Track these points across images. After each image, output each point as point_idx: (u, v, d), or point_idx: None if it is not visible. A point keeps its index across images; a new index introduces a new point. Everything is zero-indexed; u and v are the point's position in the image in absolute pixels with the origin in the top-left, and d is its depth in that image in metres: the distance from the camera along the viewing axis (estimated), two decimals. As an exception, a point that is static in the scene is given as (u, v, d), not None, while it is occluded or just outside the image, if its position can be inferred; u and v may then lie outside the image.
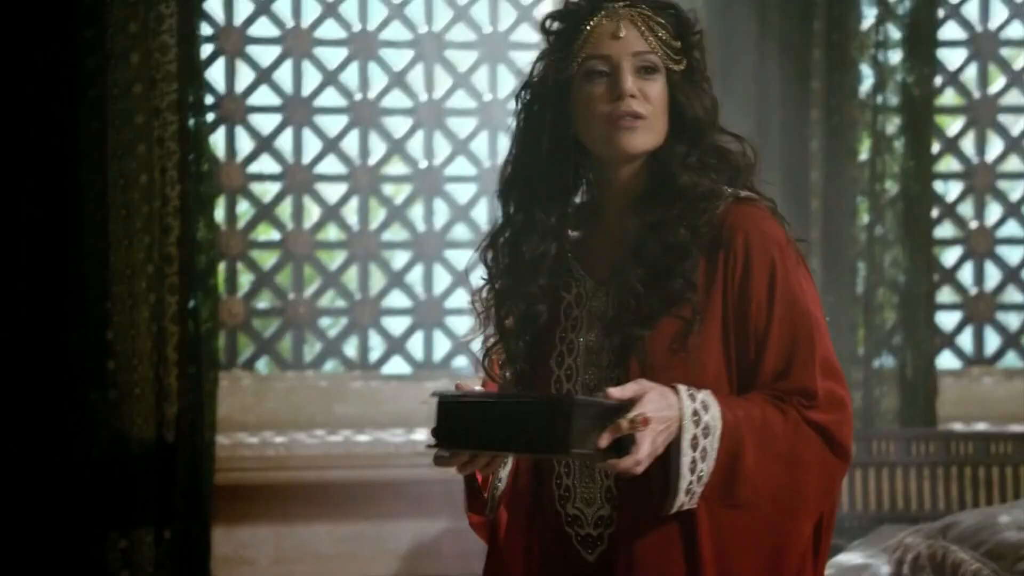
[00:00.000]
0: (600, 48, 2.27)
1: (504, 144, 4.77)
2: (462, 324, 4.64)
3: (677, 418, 2.18)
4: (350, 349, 4.63)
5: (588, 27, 2.27)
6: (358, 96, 4.59)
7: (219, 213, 4.42)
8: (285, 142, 4.58)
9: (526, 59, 4.65)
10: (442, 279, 4.63)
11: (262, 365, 4.60)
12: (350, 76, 4.59)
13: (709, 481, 2.21)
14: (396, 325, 4.63)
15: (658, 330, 2.24)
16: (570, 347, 2.30)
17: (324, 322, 4.63)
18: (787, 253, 2.27)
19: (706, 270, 2.26)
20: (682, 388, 2.20)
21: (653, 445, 2.16)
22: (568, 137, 2.29)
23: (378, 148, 4.62)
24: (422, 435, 4.44)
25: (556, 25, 2.32)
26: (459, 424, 2.18)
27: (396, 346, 4.62)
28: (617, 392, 2.15)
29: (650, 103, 2.26)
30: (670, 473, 2.19)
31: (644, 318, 2.24)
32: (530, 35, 4.64)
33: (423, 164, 4.62)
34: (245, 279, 4.59)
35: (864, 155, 4.45)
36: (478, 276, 2.40)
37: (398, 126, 4.62)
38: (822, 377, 2.26)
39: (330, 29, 4.58)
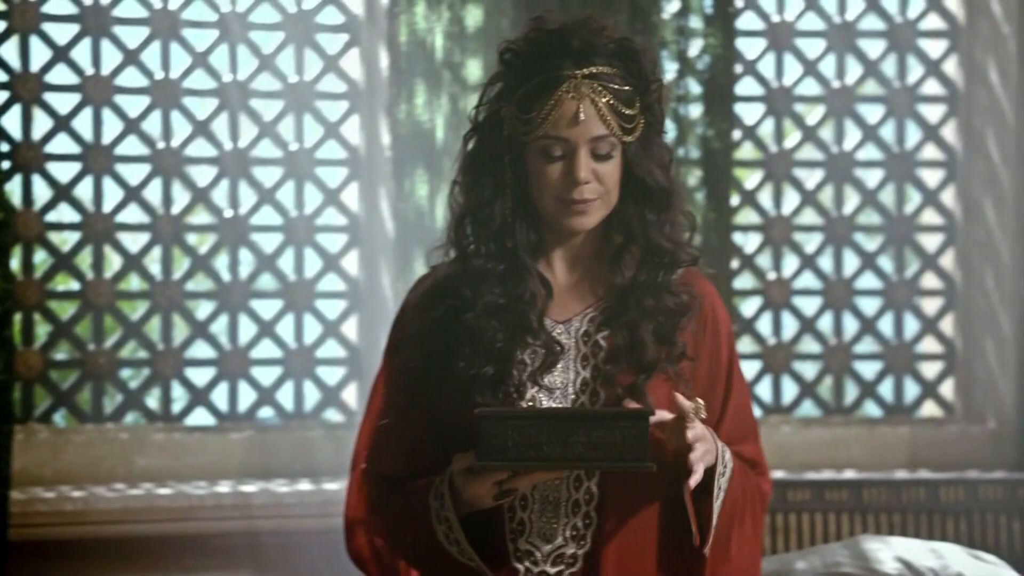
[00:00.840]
0: (558, 130, 2.29)
1: (311, 194, 4.79)
2: (267, 374, 4.59)
3: (714, 449, 2.26)
4: (152, 401, 4.55)
5: (549, 103, 2.27)
6: (160, 145, 4.53)
7: (15, 263, 4.32)
8: (85, 191, 4.50)
9: (333, 109, 4.66)
10: (247, 329, 4.58)
11: (60, 418, 4.49)
12: (152, 124, 4.53)
13: (716, 526, 2.27)
14: (200, 376, 4.56)
15: (654, 383, 2.30)
16: (515, 386, 2.32)
17: (125, 373, 4.55)
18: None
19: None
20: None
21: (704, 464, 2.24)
22: (527, 194, 2.33)
23: (182, 197, 4.57)
24: (226, 487, 4.39)
25: (514, 62, 2.33)
26: (519, 441, 2.15)
27: (200, 397, 4.56)
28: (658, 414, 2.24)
29: (604, 184, 2.30)
30: (695, 508, 2.27)
31: (648, 366, 2.30)
32: (336, 85, 4.64)
33: (228, 213, 4.58)
34: (42, 330, 4.49)
35: (666, 207, 4.52)
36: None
37: (202, 175, 4.57)
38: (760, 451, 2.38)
39: (131, 77, 4.52)
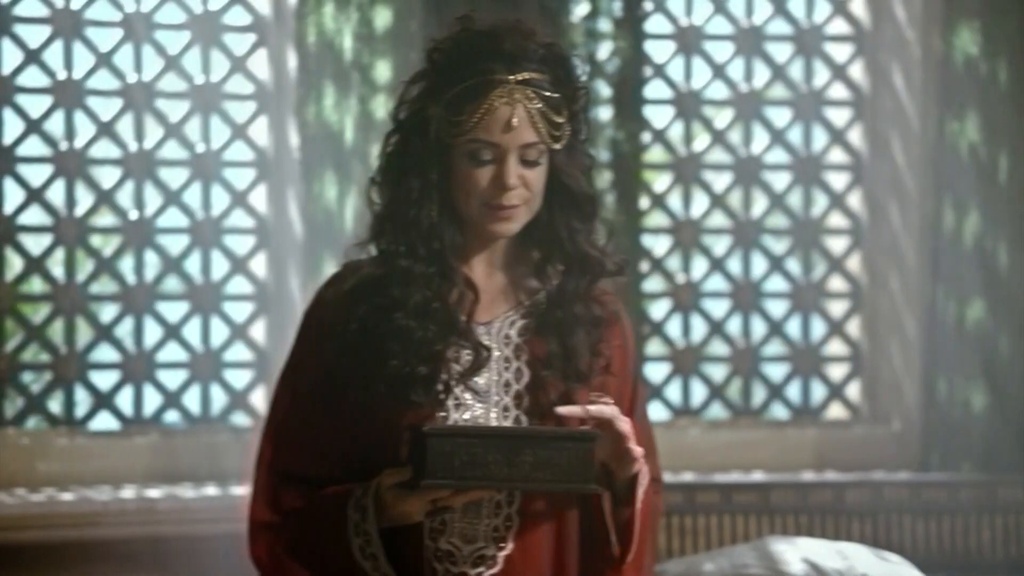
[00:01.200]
0: (490, 135, 2.27)
1: (218, 196, 4.74)
2: (173, 378, 4.54)
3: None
4: (55, 405, 4.49)
5: (481, 107, 2.26)
6: (64, 145, 4.47)
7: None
8: (-15, 192, 4.43)
9: (240, 110, 4.61)
10: (153, 332, 4.53)
11: (-40, 423, 4.42)
12: (55, 125, 4.47)
13: (637, 534, 2.28)
14: (104, 380, 4.51)
15: (579, 394, 2.30)
16: (445, 385, 2.30)
17: (27, 377, 4.48)
18: None
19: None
20: None
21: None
22: (451, 196, 2.31)
23: (85, 199, 4.51)
24: (130, 492, 4.34)
25: (443, 63, 2.30)
26: (465, 460, 2.13)
27: (104, 401, 4.50)
28: (595, 411, 2.24)
29: (530, 190, 2.29)
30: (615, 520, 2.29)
31: (580, 375, 2.30)
32: (243, 86, 4.59)
33: (133, 215, 4.52)
34: (-58, 333, 4.42)
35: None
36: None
37: (107, 176, 4.52)
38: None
39: (33, 77, 4.45)
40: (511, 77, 2.27)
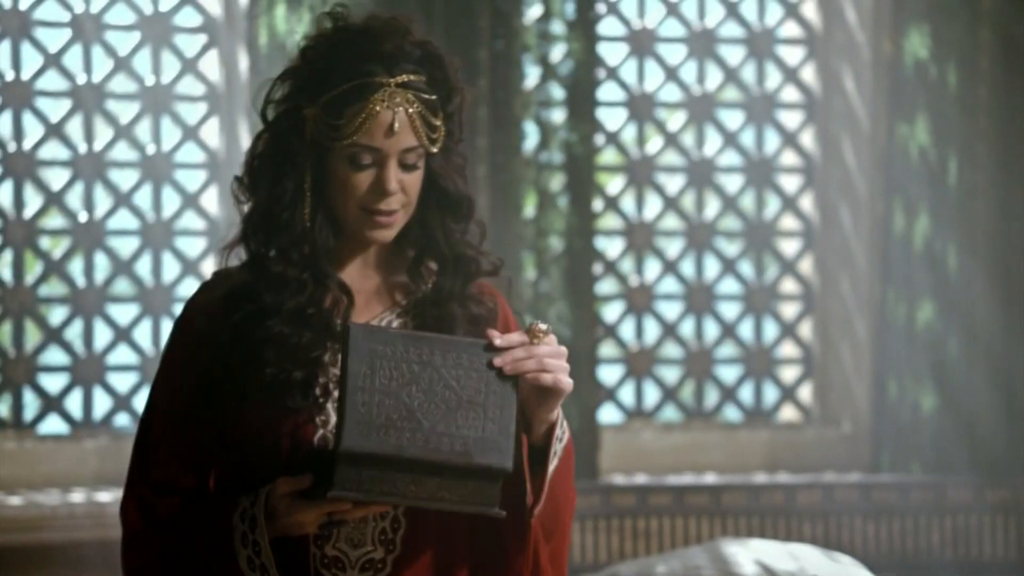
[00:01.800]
0: (372, 140, 2.23)
1: (168, 198, 4.71)
2: (123, 381, 4.51)
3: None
4: (2, 408, 4.45)
5: (362, 112, 2.21)
6: (12, 147, 4.43)
7: None
8: (-67, 193, 4.39)
9: (191, 111, 4.59)
10: (103, 335, 4.50)
11: (-93, 426, 4.38)
12: (2, 126, 4.43)
13: (544, 504, 2.23)
14: (53, 383, 4.47)
15: None
16: (324, 389, 2.26)
17: (-26, 380, 4.44)
18: None
19: None
20: None
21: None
22: (325, 199, 2.27)
23: (34, 200, 4.47)
24: (79, 496, 4.30)
25: (319, 62, 2.25)
26: (374, 475, 2.11)
27: (53, 405, 4.46)
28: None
29: (408, 195, 2.26)
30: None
31: None
32: (194, 87, 4.57)
33: (83, 217, 4.49)
34: None
35: (529, 212, 4.53)
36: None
37: (56, 178, 4.48)
38: None
39: (-19, 77, 4.42)
40: (391, 80, 2.23)
